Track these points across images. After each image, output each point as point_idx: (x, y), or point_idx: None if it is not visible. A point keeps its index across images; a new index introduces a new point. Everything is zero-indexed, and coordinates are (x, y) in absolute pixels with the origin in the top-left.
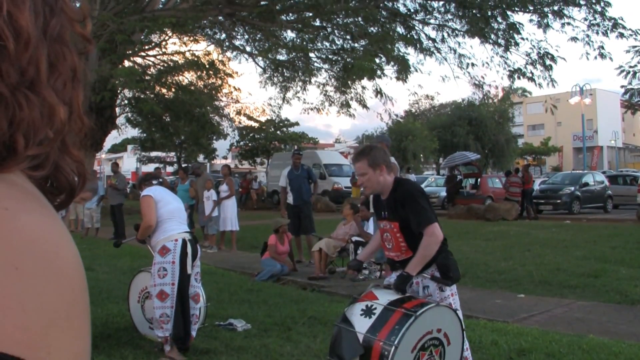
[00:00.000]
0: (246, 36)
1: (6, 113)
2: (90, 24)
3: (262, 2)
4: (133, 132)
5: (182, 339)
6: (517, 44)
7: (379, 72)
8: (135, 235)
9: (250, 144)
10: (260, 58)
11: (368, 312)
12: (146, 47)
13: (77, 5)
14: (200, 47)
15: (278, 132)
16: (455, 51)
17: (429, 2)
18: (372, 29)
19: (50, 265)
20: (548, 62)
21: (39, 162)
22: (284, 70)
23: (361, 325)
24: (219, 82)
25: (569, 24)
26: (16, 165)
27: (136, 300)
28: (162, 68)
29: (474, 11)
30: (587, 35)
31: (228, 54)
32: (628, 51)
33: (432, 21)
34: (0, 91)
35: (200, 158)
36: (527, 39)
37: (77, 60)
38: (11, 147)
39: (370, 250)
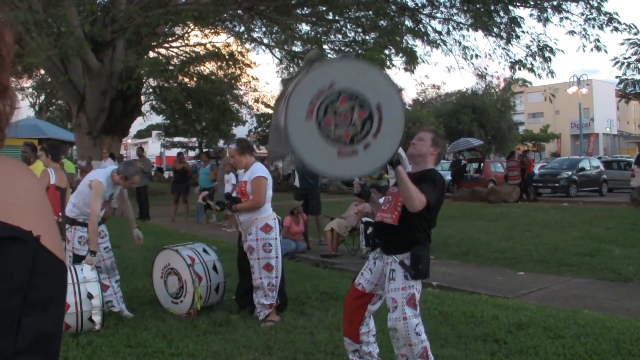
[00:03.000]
0: (264, 29)
1: None
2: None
3: None
4: (157, 119)
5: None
6: (518, 37)
7: (388, 63)
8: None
9: (267, 130)
10: (277, 49)
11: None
12: (170, 39)
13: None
14: (221, 39)
15: None
16: (460, 43)
17: None
18: (382, 22)
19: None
20: (547, 54)
21: None
22: (299, 60)
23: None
24: (238, 72)
25: (567, 18)
26: None
27: (159, 276)
28: (184, 59)
29: (477, 6)
30: (584, 29)
31: (247, 45)
32: (622, 44)
33: (438, 15)
34: None
35: (221, 143)
36: (527, 32)
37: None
38: None
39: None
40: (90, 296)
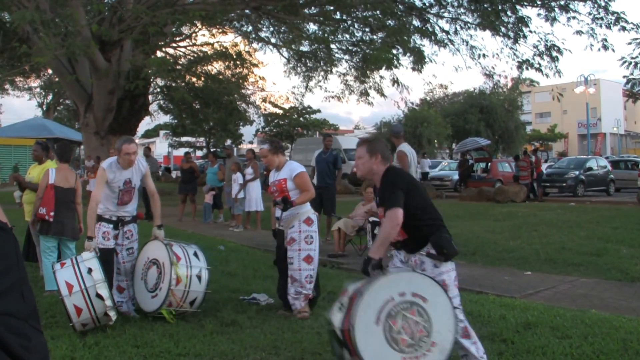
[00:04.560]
0: (271, 28)
1: None
2: None
3: None
4: (165, 118)
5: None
6: (525, 37)
7: (396, 63)
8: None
9: (274, 130)
10: (284, 49)
11: (341, 307)
12: (177, 39)
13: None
14: (228, 39)
15: (301, 118)
16: (467, 43)
17: None
18: (389, 21)
19: None
20: (554, 53)
21: None
22: (307, 60)
23: (337, 320)
24: (246, 71)
25: (574, 17)
26: None
27: (139, 278)
28: (192, 58)
29: (485, 5)
30: (592, 29)
31: (254, 45)
32: (630, 43)
33: (445, 14)
34: None
35: (228, 143)
36: (535, 31)
37: None
38: None
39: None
40: (100, 297)
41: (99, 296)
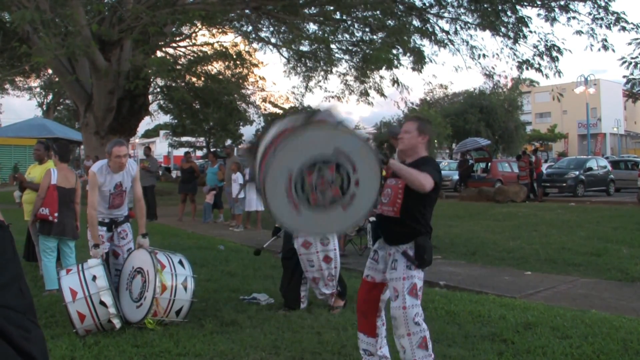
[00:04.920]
0: (271, 28)
1: None
2: None
3: None
4: (165, 118)
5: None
6: (525, 37)
7: (396, 63)
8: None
9: None
10: (284, 49)
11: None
12: (177, 39)
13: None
14: (228, 39)
15: None
16: (467, 43)
17: None
18: (389, 22)
19: None
20: (554, 53)
21: None
22: (307, 60)
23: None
24: (246, 71)
25: (574, 17)
26: None
27: (124, 289)
28: (192, 58)
29: (485, 5)
30: (592, 29)
31: (254, 45)
32: (630, 43)
33: (445, 15)
34: None
35: (228, 143)
36: (535, 32)
37: None
38: None
39: None
40: (103, 304)
41: (102, 303)
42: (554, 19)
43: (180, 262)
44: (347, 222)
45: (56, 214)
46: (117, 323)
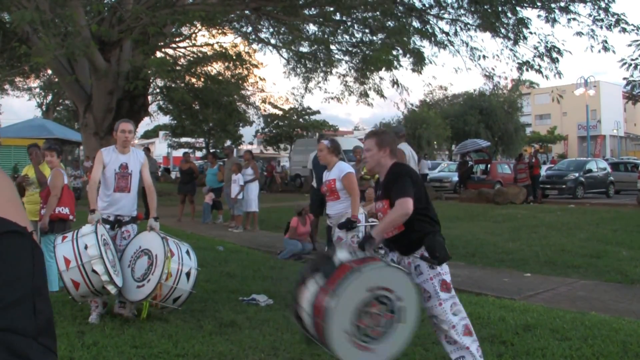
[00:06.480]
0: (271, 29)
1: None
2: None
3: None
4: (164, 119)
5: None
6: (525, 38)
7: (395, 64)
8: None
9: (274, 131)
10: (284, 50)
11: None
12: (177, 39)
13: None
14: (228, 40)
15: (300, 119)
16: (467, 44)
17: None
18: (389, 23)
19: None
20: (555, 55)
21: None
22: (307, 61)
23: (310, 294)
24: (245, 72)
25: (574, 19)
26: None
27: (127, 265)
28: (192, 59)
29: (485, 7)
30: (592, 30)
31: (254, 46)
32: (630, 45)
33: (445, 16)
34: None
35: (228, 144)
36: (535, 33)
37: None
38: None
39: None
40: (95, 272)
41: (94, 272)
42: (554, 20)
43: (187, 253)
44: (410, 328)
45: (74, 214)
46: (111, 289)
